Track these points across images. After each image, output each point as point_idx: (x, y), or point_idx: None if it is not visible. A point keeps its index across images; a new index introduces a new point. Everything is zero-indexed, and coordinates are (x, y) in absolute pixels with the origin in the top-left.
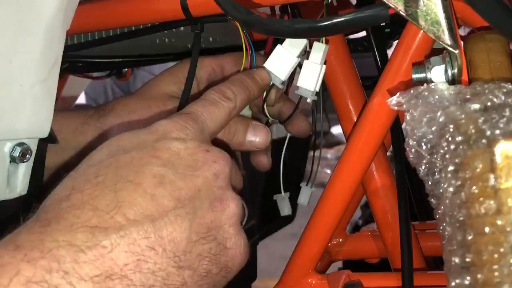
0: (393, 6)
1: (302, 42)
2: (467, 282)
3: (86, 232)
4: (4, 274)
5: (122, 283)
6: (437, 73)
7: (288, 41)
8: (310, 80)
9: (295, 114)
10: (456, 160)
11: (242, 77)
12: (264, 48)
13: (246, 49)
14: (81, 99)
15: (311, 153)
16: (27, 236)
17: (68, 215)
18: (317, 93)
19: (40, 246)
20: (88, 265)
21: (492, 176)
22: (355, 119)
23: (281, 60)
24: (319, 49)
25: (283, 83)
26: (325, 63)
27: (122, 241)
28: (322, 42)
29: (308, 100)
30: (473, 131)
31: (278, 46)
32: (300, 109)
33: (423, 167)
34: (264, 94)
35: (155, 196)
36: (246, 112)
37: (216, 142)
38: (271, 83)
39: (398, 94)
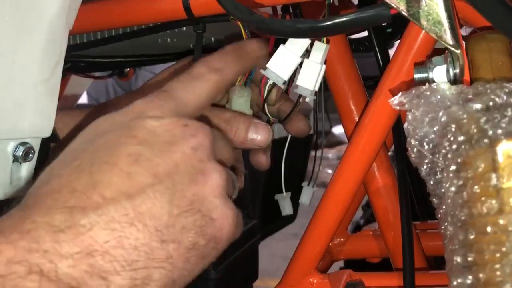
0: (395, 6)
1: (305, 42)
2: (469, 282)
3: (64, 213)
4: None
5: (104, 259)
6: (439, 73)
7: (290, 41)
8: (309, 79)
9: (293, 113)
10: (458, 160)
11: (233, 47)
12: None
13: None
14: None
15: (312, 153)
16: (8, 221)
17: (47, 198)
18: (318, 93)
19: (19, 228)
20: (67, 244)
21: (494, 175)
22: (356, 119)
23: (283, 60)
24: (319, 49)
25: (284, 82)
26: (325, 62)
27: (100, 219)
28: (323, 41)
29: (307, 99)
30: (475, 130)
31: (281, 46)
32: (298, 109)
33: (425, 166)
34: (265, 93)
35: (131, 174)
36: (247, 110)
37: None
38: (272, 82)
39: (400, 94)
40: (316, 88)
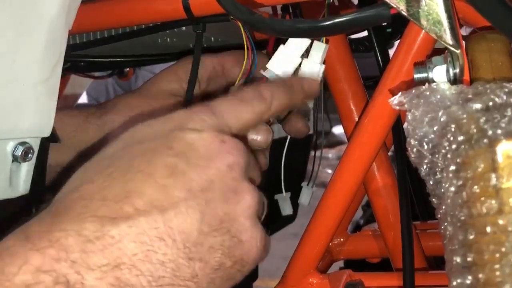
0: (395, 6)
1: (305, 42)
2: (468, 282)
3: (94, 222)
4: (13, 263)
5: (131, 273)
6: (439, 73)
7: (290, 41)
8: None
9: (292, 113)
10: (458, 160)
11: (290, 81)
12: (265, 48)
13: (248, 49)
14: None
15: (312, 153)
16: (37, 227)
17: (77, 205)
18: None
19: (48, 236)
20: (96, 255)
21: (493, 175)
22: (356, 119)
23: (284, 60)
24: (319, 49)
25: None
26: (324, 62)
27: (131, 231)
28: (322, 41)
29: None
30: (475, 130)
31: (281, 47)
32: (297, 109)
33: (425, 166)
34: None
35: (166, 186)
36: None
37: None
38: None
39: (399, 93)
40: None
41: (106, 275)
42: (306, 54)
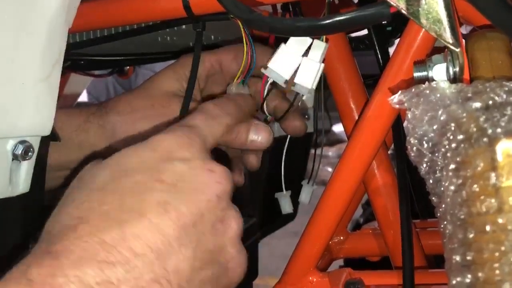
0: (394, 5)
1: (306, 41)
2: (468, 280)
3: (94, 267)
4: None
5: None
6: (439, 72)
7: (291, 40)
8: (308, 77)
9: (290, 112)
10: (457, 159)
11: (236, 97)
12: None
13: (247, 47)
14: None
15: (312, 151)
16: (38, 270)
17: (76, 248)
18: (318, 91)
19: (51, 281)
20: None
21: (493, 174)
22: (356, 117)
23: (285, 59)
24: (318, 47)
25: (286, 82)
26: (323, 61)
27: (129, 275)
28: (322, 40)
29: (304, 98)
30: (475, 129)
31: (282, 46)
32: (295, 107)
33: (424, 165)
34: (265, 92)
35: (160, 226)
36: None
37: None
38: (272, 81)
39: (399, 92)
40: (314, 87)
41: None
42: (306, 53)
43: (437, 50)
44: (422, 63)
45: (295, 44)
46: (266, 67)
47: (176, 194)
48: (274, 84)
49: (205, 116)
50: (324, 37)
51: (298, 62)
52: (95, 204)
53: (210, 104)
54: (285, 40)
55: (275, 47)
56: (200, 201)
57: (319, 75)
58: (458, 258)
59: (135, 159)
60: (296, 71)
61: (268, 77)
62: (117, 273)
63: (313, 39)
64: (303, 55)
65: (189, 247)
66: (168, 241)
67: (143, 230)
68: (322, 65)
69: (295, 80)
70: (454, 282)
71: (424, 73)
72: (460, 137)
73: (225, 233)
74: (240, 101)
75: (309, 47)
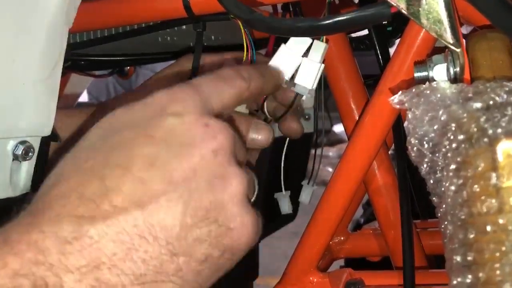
0: (395, 5)
1: (307, 42)
2: (468, 281)
3: (72, 222)
4: None
5: (111, 273)
6: (439, 72)
7: (292, 40)
8: (308, 78)
9: (288, 113)
10: (458, 159)
11: (259, 66)
12: (265, 46)
13: (247, 48)
14: (84, 98)
15: (312, 151)
16: (16, 228)
17: (55, 204)
18: (319, 91)
19: (26, 238)
20: (74, 256)
21: (494, 174)
22: (357, 117)
23: (285, 59)
24: (318, 48)
25: (286, 82)
26: (323, 62)
27: (110, 230)
28: (322, 41)
29: (303, 98)
30: (475, 129)
31: (282, 46)
32: (294, 109)
33: (425, 165)
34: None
35: (145, 179)
36: (243, 109)
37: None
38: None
39: (400, 92)
40: (314, 87)
41: (86, 277)
42: (306, 53)
43: (437, 50)
44: (422, 63)
45: (295, 45)
46: None
47: (166, 149)
48: None
49: (214, 76)
50: (324, 37)
51: (298, 63)
52: (80, 161)
53: (225, 67)
54: (285, 41)
55: (275, 48)
56: (191, 155)
57: (319, 76)
58: (458, 258)
59: (126, 116)
60: (296, 72)
61: None
62: (97, 228)
63: (313, 40)
64: (303, 56)
65: (178, 202)
66: (153, 195)
67: (125, 184)
68: (322, 65)
69: (295, 81)
70: (454, 282)
71: (425, 73)
72: (461, 137)
73: (225, 190)
74: (262, 70)
75: (309, 48)
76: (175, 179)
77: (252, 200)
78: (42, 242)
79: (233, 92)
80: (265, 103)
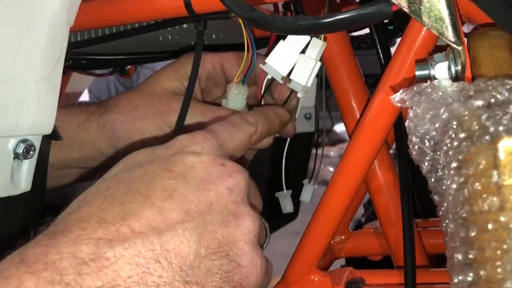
0: (396, 3)
1: (305, 39)
2: (469, 279)
3: (90, 244)
4: (7, 286)
5: None
6: (441, 70)
7: (290, 37)
8: (303, 74)
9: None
10: (459, 157)
11: (263, 108)
12: (266, 45)
13: (248, 47)
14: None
15: (314, 151)
16: (33, 249)
17: (75, 227)
18: (319, 91)
19: (43, 258)
20: (90, 277)
21: (495, 172)
22: (358, 116)
23: (283, 56)
24: (316, 45)
25: (283, 78)
26: (321, 60)
27: (126, 252)
28: (320, 38)
29: (299, 95)
30: (476, 127)
31: (281, 42)
32: (291, 108)
33: (426, 164)
34: (263, 90)
35: (163, 208)
36: (243, 107)
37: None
38: (271, 77)
39: (401, 91)
40: (309, 84)
41: None
42: (304, 50)
43: (439, 48)
44: (424, 61)
45: (293, 41)
46: (264, 63)
47: (184, 183)
48: (272, 80)
49: (226, 123)
50: (322, 35)
51: (296, 59)
52: (102, 189)
53: (234, 115)
54: (283, 37)
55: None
56: (208, 190)
57: (314, 73)
58: (460, 256)
59: (149, 154)
60: (292, 67)
61: (266, 73)
62: (114, 250)
63: (311, 37)
64: (300, 52)
65: (194, 232)
66: (171, 224)
67: (145, 211)
68: (319, 63)
69: (291, 77)
70: (456, 280)
71: (426, 72)
72: (462, 135)
73: (237, 227)
74: (267, 112)
75: (308, 45)
76: (192, 211)
77: (264, 247)
78: (59, 263)
79: (243, 136)
80: (262, 100)
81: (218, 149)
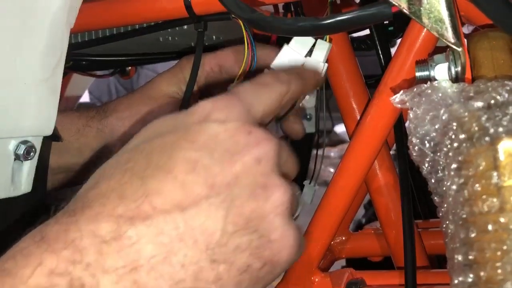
0: (396, 4)
1: (309, 42)
2: (470, 280)
3: (110, 222)
4: (27, 265)
5: (149, 276)
6: (441, 71)
7: (294, 40)
8: None
9: (291, 113)
10: (459, 158)
11: (296, 68)
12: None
13: (248, 47)
14: (85, 98)
15: (314, 152)
16: (53, 227)
17: (94, 203)
18: (320, 92)
19: (63, 237)
20: (111, 257)
21: (495, 173)
22: (358, 117)
23: (288, 60)
24: (322, 48)
25: None
26: (327, 61)
27: (149, 231)
28: (326, 40)
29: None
30: (476, 128)
31: (285, 46)
32: (295, 109)
33: (426, 165)
34: None
35: (186, 183)
36: None
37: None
38: None
39: (401, 92)
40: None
41: (123, 278)
42: (309, 53)
43: (439, 49)
44: (424, 62)
45: (298, 44)
46: (269, 68)
47: (208, 154)
48: None
49: (253, 84)
50: (328, 36)
51: (302, 62)
52: (121, 163)
53: (262, 74)
54: (287, 41)
55: (277, 45)
56: (234, 161)
57: (323, 75)
58: (460, 257)
59: (170, 122)
60: None
61: None
62: (136, 229)
63: (316, 39)
64: (306, 55)
65: (220, 207)
66: (194, 199)
67: (167, 186)
68: (326, 65)
69: None
70: (456, 281)
71: (426, 73)
72: (462, 136)
73: (267, 201)
74: (300, 71)
75: (313, 47)
76: (217, 185)
77: (296, 216)
78: (80, 241)
79: (274, 97)
80: None
81: (244, 115)
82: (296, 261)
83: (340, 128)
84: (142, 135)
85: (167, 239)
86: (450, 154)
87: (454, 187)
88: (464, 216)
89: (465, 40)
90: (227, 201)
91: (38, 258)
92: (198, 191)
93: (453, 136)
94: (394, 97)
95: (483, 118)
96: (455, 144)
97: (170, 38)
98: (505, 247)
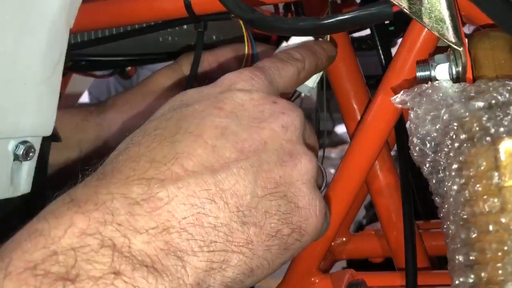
0: (397, 4)
1: (308, 40)
2: (471, 280)
3: (142, 184)
4: (58, 226)
5: (181, 237)
6: (441, 71)
7: (293, 39)
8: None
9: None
10: (460, 158)
11: (310, 43)
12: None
13: (248, 47)
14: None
15: None
16: (83, 190)
17: (124, 168)
18: (320, 92)
19: (94, 199)
20: (143, 218)
21: (496, 174)
22: (359, 117)
23: None
24: None
25: None
26: None
27: (180, 192)
28: (326, 39)
29: (302, 95)
30: (477, 129)
31: (284, 44)
32: None
33: (427, 165)
34: None
35: (216, 147)
36: None
37: None
38: None
39: (402, 92)
40: (315, 86)
41: (154, 239)
42: None
43: (439, 49)
44: (424, 62)
45: (296, 43)
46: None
47: (235, 121)
48: None
49: (273, 59)
50: (329, 36)
51: None
52: (150, 130)
53: (279, 51)
54: (286, 39)
55: (276, 45)
56: (262, 128)
57: (320, 74)
58: (461, 258)
59: (197, 93)
60: None
61: None
62: (167, 190)
63: (316, 39)
64: None
65: (249, 171)
66: (225, 162)
67: (197, 149)
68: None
69: None
70: (457, 282)
71: (427, 73)
72: (463, 136)
73: (294, 167)
74: (314, 47)
75: None
76: (246, 149)
77: (322, 188)
78: (110, 203)
79: (291, 72)
80: None
81: (268, 86)
82: (296, 262)
83: (340, 129)
84: (168, 105)
85: (198, 201)
86: (451, 154)
87: (455, 187)
88: (465, 216)
89: (466, 40)
90: (255, 165)
91: (69, 219)
92: (227, 154)
93: (454, 136)
94: (394, 97)
95: (484, 118)
96: (456, 144)
97: (170, 38)
98: (506, 248)
